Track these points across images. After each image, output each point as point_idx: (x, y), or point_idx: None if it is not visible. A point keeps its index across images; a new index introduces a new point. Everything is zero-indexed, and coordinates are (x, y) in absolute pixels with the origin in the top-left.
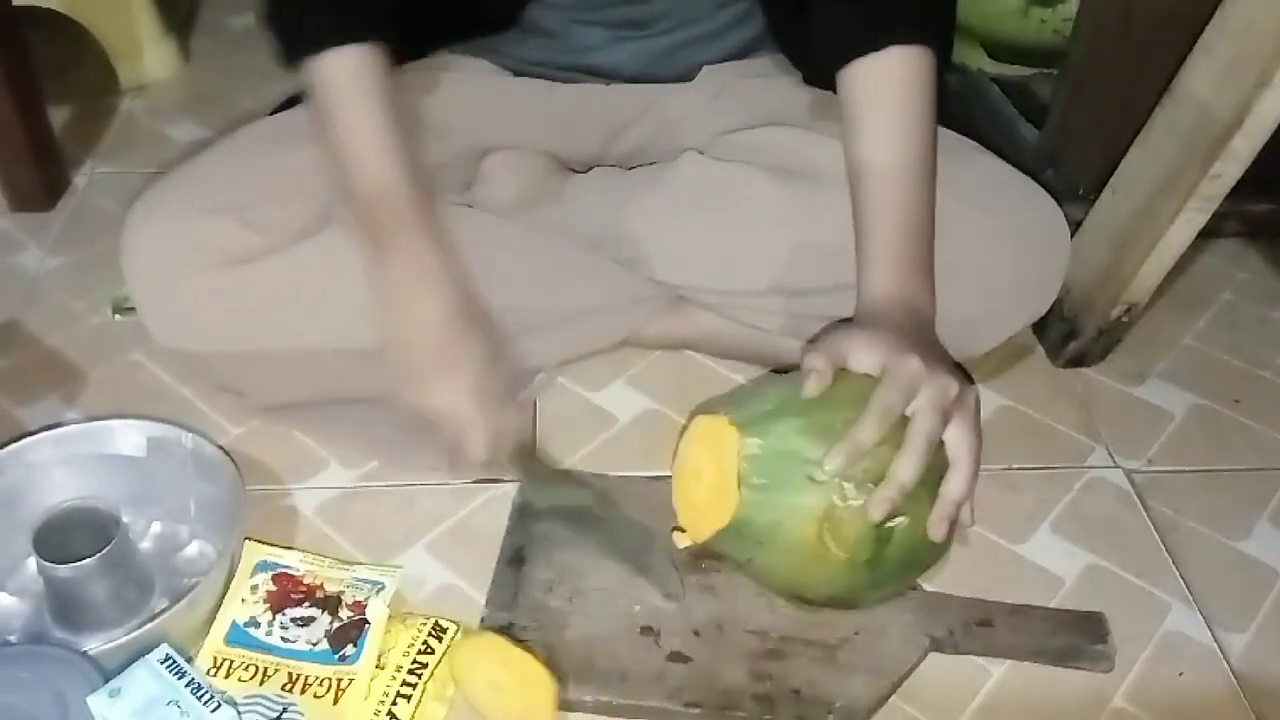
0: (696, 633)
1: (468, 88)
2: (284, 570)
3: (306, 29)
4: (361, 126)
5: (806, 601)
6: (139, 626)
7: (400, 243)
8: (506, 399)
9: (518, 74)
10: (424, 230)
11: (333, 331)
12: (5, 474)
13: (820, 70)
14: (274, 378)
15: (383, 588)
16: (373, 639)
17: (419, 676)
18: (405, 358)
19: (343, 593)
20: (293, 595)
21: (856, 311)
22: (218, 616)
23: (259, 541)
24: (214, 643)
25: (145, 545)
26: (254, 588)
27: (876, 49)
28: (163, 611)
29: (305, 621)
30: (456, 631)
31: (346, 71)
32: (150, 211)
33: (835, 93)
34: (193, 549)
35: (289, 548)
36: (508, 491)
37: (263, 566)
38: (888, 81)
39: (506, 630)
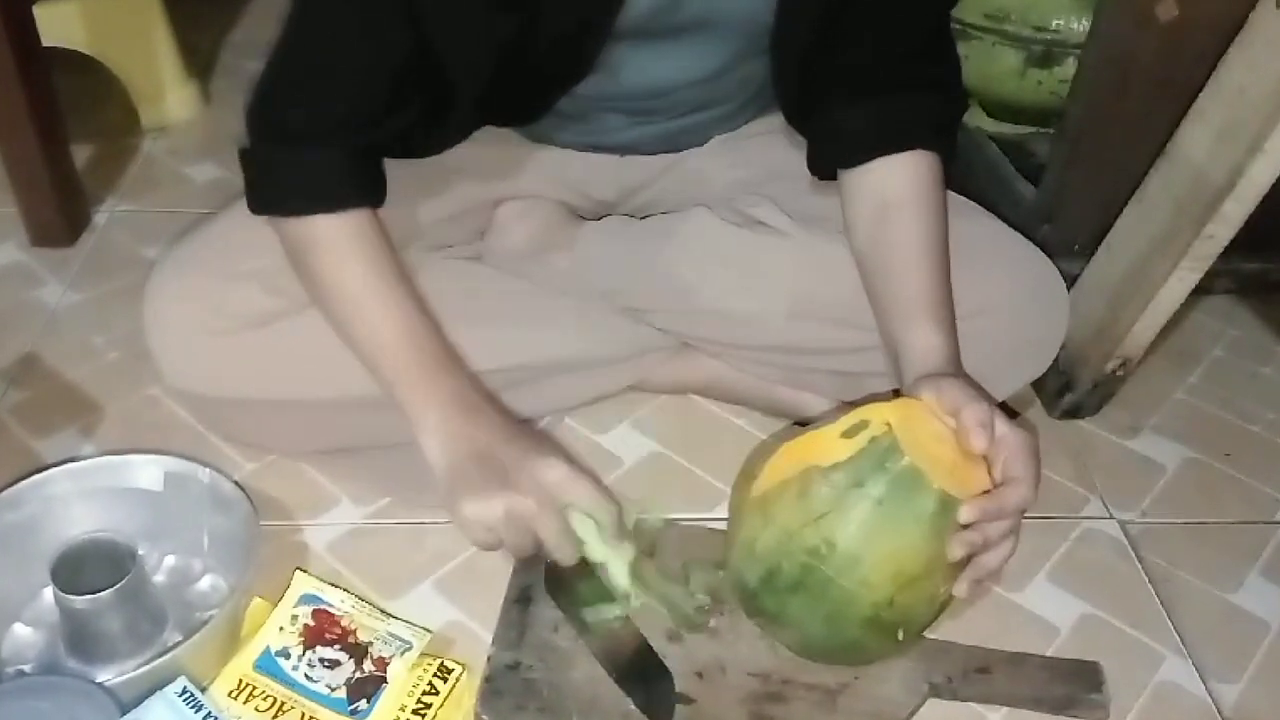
0: (699, 674)
1: (486, 144)
2: (325, 607)
3: (293, 189)
4: (361, 284)
5: (816, 657)
6: (152, 659)
7: (432, 389)
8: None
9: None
10: (448, 369)
11: (348, 383)
12: (24, 506)
13: (834, 160)
14: (290, 429)
15: (409, 649)
16: (385, 699)
17: (423, 717)
18: (486, 468)
19: (372, 644)
20: (327, 635)
21: (929, 379)
22: (254, 640)
23: (306, 572)
24: (243, 665)
25: (159, 579)
26: (294, 618)
27: (902, 150)
28: (176, 645)
29: (332, 664)
30: (461, 672)
31: (337, 231)
32: (171, 278)
33: (833, 179)
34: (205, 583)
35: (335, 585)
36: None
37: (307, 599)
38: (913, 175)
39: (514, 669)
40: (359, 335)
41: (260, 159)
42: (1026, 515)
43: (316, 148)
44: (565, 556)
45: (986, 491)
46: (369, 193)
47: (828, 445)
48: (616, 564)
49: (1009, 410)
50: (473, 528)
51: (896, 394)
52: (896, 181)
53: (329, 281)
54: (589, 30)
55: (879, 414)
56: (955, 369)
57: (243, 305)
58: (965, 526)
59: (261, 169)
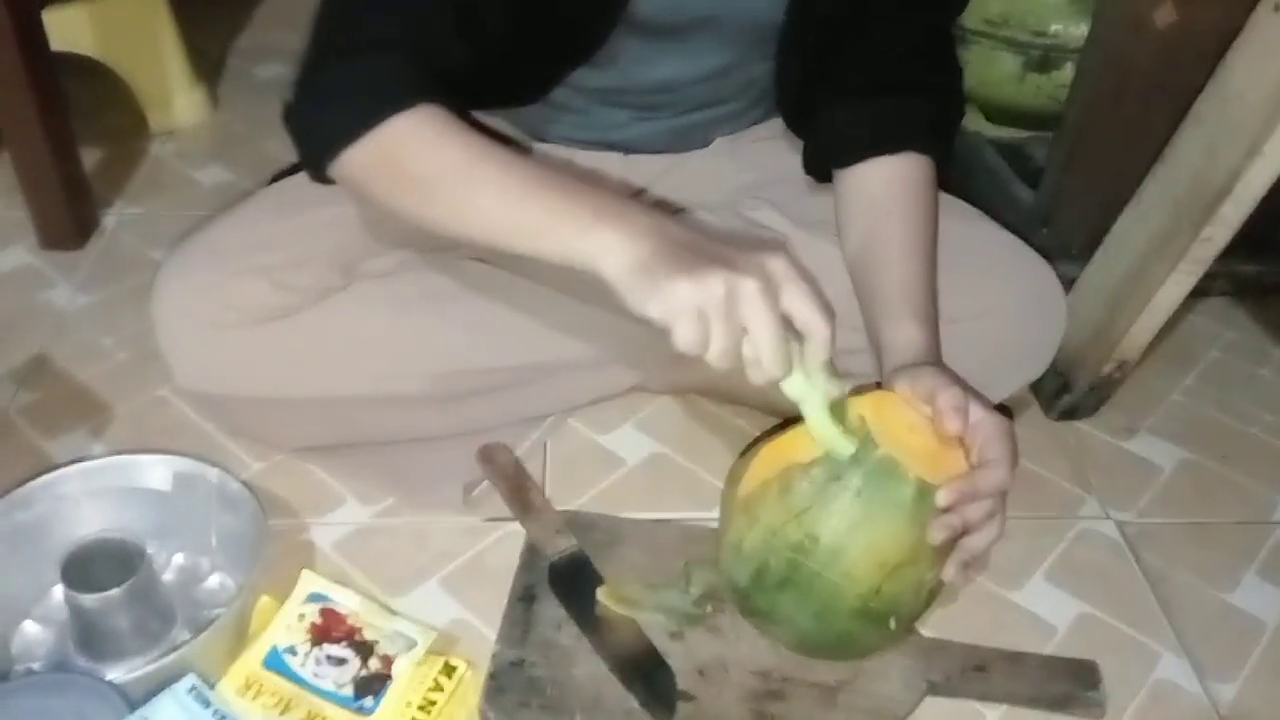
0: (701, 672)
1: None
2: (332, 606)
3: (359, 99)
4: (466, 152)
5: (811, 651)
6: (161, 657)
7: (598, 200)
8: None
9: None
10: (602, 188)
11: (356, 380)
12: (34, 506)
13: (828, 159)
14: (299, 424)
15: (414, 646)
16: (391, 696)
17: (428, 714)
18: (695, 253)
19: (378, 642)
20: (334, 633)
21: (905, 369)
22: (261, 637)
23: (313, 571)
24: (251, 662)
25: (167, 577)
26: (301, 616)
27: (897, 151)
28: (185, 642)
29: (338, 661)
30: (466, 670)
31: (416, 123)
32: (180, 273)
33: (829, 181)
34: (213, 581)
35: (342, 583)
36: (519, 529)
37: (314, 597)
38: (905, 177)
39: (518, 667)
40: (485, 204)
41: (317, 89)
42: (1024, 515)
43: (379, 54)
44: (776, 366)
45: (962, 475)
46: (437, 94)
47: (806, 442)
48: (814, 401)
49: (1006, 411)
50: (683, 314)
51: (878, 388)
52: (888, 183)
53: (430, 173)
54: (599, 15)
55: (852, 408)
56: (932, 360)
57: (251, 300)
58: (945, 511)
59: (319, 101)
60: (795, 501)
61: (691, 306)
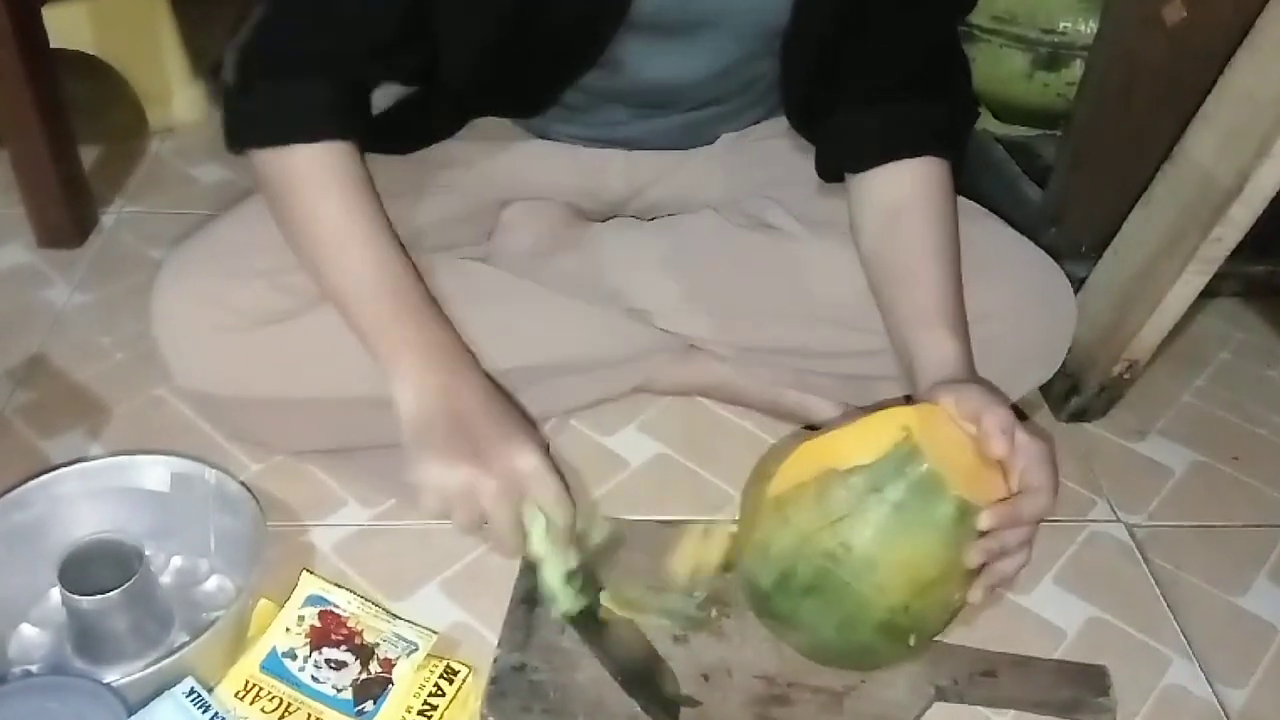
0: (705, 676)
1: (491, 144)
2: (331, 609)
3: (277, 117)
4: (337, 220)
5: (825, 660)
6: (159, 660)
7: (412, 334)
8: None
9: (539, 137)
10: (431, 316)
11: (357, 383)
12: (31, 507)
13: (841, 164)
14: (298, 427)
15: (415, 650)
16: (391, 701)
17: (429, 718)
18: (459, 434)
19: (378, 645)
20: (333, 636)
21: (949, 385)
22: (260, 640)
23: (313, 573)
24: (249, 665)
25: (165, 579)
26: (301, 619)
27: (911, 156)
28: (183, 645)
29: (338, 665)
30: (467, 674)
31: (316, 163)
32: (180, 275)
33: (839, 181)
34: (211, 584)
35: (341, 586)
36: None
37: (313, 600)
38: (923, 181)
39: (519, 671)
40: (334, 281)
41: (244, 92)
42: None
43: (306, 79)
44: (509, 549)
45: (1004, 499)
46: (350, 125)
47: (846, 448)
48: (552, 567)
49: (1018, 413)
50: (428, 492)
51: (908, 400)
52: (906, 187)
53: (304, 221)
54: (602, 18)
55: (899, 418)
56: (971, 375)
57: (251, 303)
58: (982, 533)
59: (243, 102)
60: (832, 508)
61: (438, 486)
